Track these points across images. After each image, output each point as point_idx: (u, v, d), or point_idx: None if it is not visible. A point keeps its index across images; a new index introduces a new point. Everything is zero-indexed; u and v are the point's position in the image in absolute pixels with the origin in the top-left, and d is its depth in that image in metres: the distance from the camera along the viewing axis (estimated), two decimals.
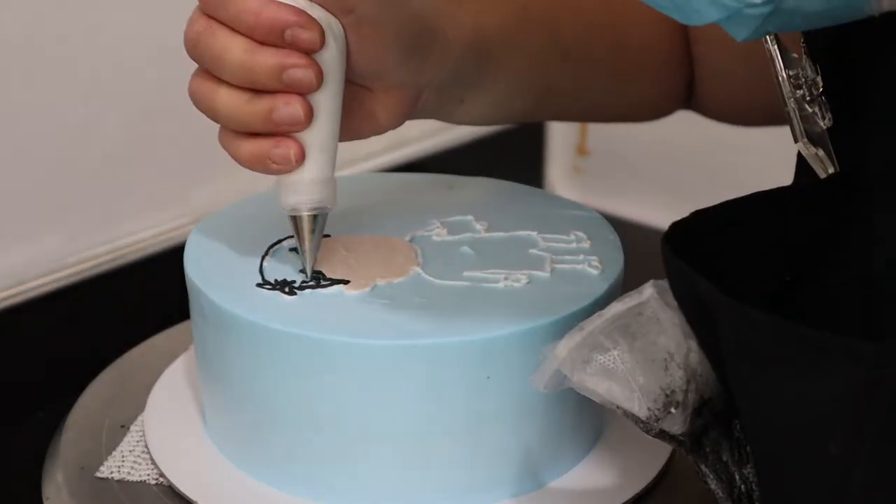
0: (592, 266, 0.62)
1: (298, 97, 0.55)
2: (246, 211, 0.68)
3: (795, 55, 0.50)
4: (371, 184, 0.75)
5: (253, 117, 0.55)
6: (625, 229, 0.68)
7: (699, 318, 0.48)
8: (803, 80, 0.50)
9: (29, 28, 0.78)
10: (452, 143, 1.06)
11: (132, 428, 0.67)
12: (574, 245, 0.65)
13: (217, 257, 0.63)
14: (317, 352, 0.57)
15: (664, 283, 0.51)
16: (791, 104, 0.49)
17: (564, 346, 0.52)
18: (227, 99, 0.55)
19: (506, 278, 0.61)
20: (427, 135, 1.04)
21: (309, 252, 0.60)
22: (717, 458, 0.51)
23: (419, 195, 0.72)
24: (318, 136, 0.57)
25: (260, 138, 0.56)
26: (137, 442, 0.65)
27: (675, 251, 0.47)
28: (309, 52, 0.55)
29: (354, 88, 0.59)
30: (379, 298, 0.59)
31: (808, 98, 0.50)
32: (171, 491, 0.61)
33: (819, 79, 0.50)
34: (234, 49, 0.54)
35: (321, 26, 0.55)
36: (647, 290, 0.52)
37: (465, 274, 0.61)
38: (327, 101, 0.56)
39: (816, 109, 0.50)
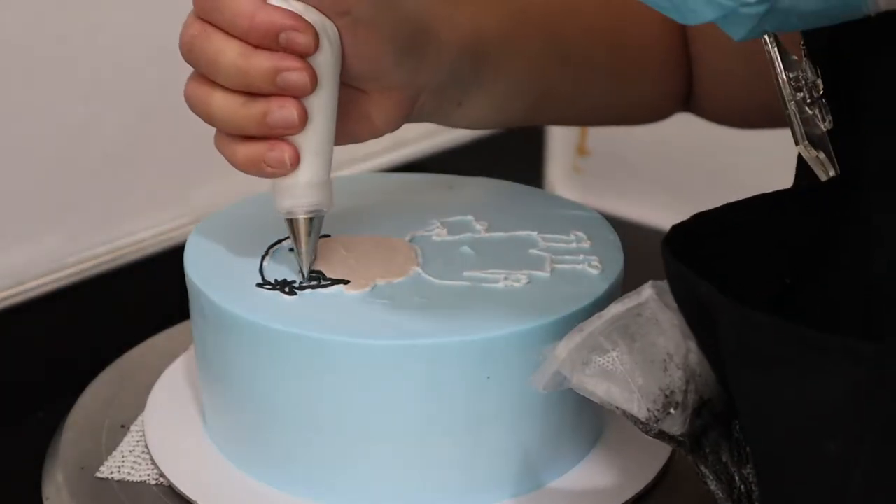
0: (592, 266, 0.62)
1: (293, 100, 0.55)
2: (246, 211, 0.68)
3: (796, 57, 0.50)
4: (371, 184, 0.75)
5: (248, 121, 0.55)
6: (625, 229, 0.68)
7: (699, 319, 0.48)
8: (804, 82, 0.50)
9: (29, 28, 0.78)
10: (452, 144, 1.06)
11: (132, 428, 0.67)
12: (574, 245, 0.65)
13: (217, 257, 0.63)
14: (317, 352, 0.57)
15: (663, 284, 0.51)
16: (792, 107, 0.49)
17: (564, 348, 0.52)
18: (222, 102, 0.56)
19: (506, 278, 0.61)
20: (426, 135, 1.04)
21: (305, 255, 0.60)
22: (717, 459, 0.51)
23: (419, 195, 0.72)
24: (314, 139, 0.57)
25: (255, 142, 0.56)
26: (137, 442, 0.65)
27: (675, 254, 0.47)
28: (303, 56, 0.55)
29: (350, 91, 0.59)
30: (379, 298, 0.59)
31: (808, 100, 0.50)
32: (171, 491, 0.61)
33: (819, 81, 0.50)
34: (228, 53, 0.55)
35: (315, 29, 0.55)
36: (646, 292, 0.52)
37: (465, 274, 0.61)
38: (322, 104, 0.56)
39: (817, 112, 0.50)
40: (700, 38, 0.74)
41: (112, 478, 0.63)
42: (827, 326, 0.43)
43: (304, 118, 0.56)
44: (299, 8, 0.55)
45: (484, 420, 0.58)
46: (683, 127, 0.84)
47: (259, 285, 0.60)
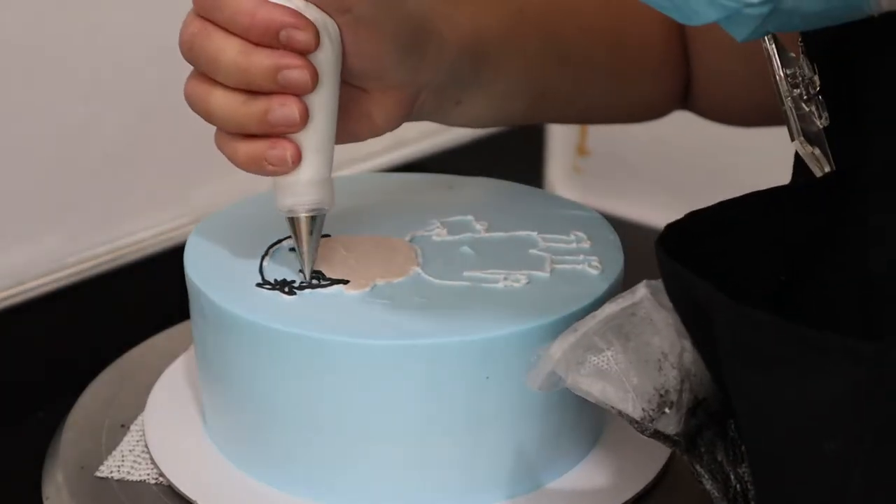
0: (592, 266, 0.62)
1: (294, 98, 0.55)
2: (246, 211, 0.68)
3: (793, 54, 0.50)
4: (371, 184, 0.75)
5: (248, 119, 0.55)
6: (625, 229, 0.68)
7: (694, 318, 0.48)
8: (800, 78, 0.50)
9: (29, 28, 0.78)
10: (452, 144, 1.06)
11: (132, 427, 0.67)
12: (574, 245, 0.65)
13: (217, 257, 0.63)
14: (317, 352, 0.57)
15: (657, 284, 0.51)
16: (788, 103, 0.49)
17: (558, 347, 0.52)
18: (223, 101, 0.55)
19: (505, 278, 0.61)
20: (426, 135, 1.04)
21: (307, 253, 0.60)
22: (713, 458, 0.51)
23: (419, 195, 0.72)
24: (315, 137, 0.57)
25: (256, 140, 0.56)
26: (137, 441, 0.65)
27: (669, 252, 0.47)
28: (304, 53, 0.55)
29: (351, 90, 0.59)
30: (379, 298, 0.59)
31: (804, 97, 0.50)
32: (171, 491, 0.61)
33: (816, 78, 0.50)
34: (228, 51, 0.54)
35: (316, 27, 0.55)
36: (641, 291, 0.52)
37: (465, 274, 0.61)
38: (323, 102, 0.56)
39: (813, 108, 0.50)
40: (699, 37, 0.74)
41: (112, 477, 0.63)
42: (824, 325, 0.43)
43: (306, 116, 0.56)
44: (300, 5, 0.55)
45: (483, 420, 0.58)
46: (683, 127, 0.84)
47: (259, 285, 0.60)
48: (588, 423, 0.63)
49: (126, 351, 0.75)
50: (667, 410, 0.51)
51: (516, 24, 0.66)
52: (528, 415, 0.59)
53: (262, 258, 0.63)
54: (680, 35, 0.74)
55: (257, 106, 0.55)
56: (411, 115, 0.61)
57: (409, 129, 0.64)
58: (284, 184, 0.58)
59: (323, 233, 0.61)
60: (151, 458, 0.63)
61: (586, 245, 0.65)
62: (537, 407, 0.59)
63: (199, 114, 0.57)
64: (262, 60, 0.54)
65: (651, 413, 0.51)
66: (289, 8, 0.55)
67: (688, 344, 0.51)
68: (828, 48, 0.51)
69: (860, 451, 0.43)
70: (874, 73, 0.50)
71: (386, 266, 0.62)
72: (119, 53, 0.82)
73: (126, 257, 0.85)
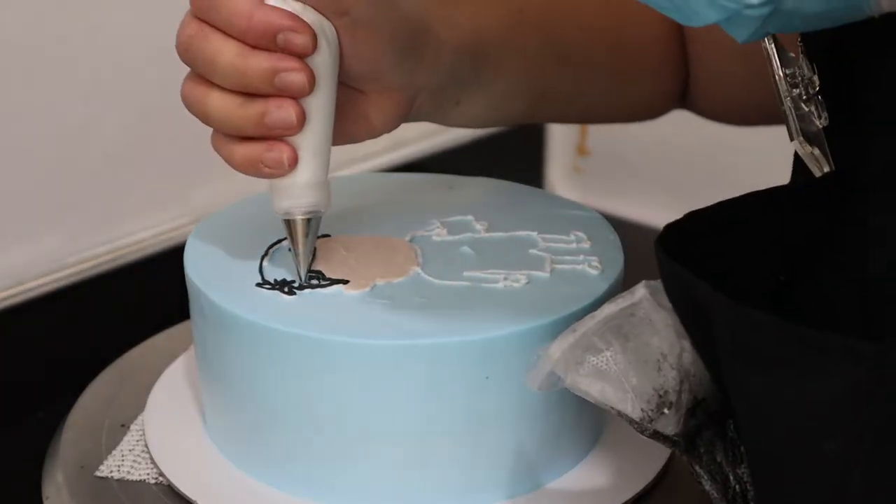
0: (592, 266, 0.62)
1: (291, 101, 0.55)
2: (246, 211, 0.68)
3: (792, 54, 0.50)
4: (371, 184, 0.75)
5: (245, 121, 0.55)
6: (625, 229, 0.68)
7: (693, 318, 0.48)
8: (800, 78, 0.50)
9: (29, 28, 0.78)
10: (452, 144, 1.06)
11: (132, 427, 0.67)
12: (574, 245, 0.65)
13: (217, 257, 0.63)
14: (317, 352, 0.57)
15: (657, 284, 0.51)
16: (787, 103, 0.49)
17: (557, 348, 0.52)
18: (220, 103, 0.55)
19: (505, 278, 0.61)
20: (426, 135, 1.04)
21: (303, 256, 0.60)
22: (712, 459, 0.51)
23: (419, 195, 0.72)
24: (311, 139, 0.57)
25: (253, 142, 0.56)
26: (137, 441, 0.65)
27: (669, 253, 0.47)
28: (301, 56, 0.55)
29: (348, 91, 0.59)
30: (379, 298, 0.59)
31: (804, 97, 0.50)
32: (171, 490, 0.61)
33: (815, 77, 0.50)
34: (225, 53, 0.54)
35: (313, 30, 0.55)
36: (640, 291, 0.52)
37: (465, 274, 0.61)
38: (320, 105, 0.56)
39: (813, 108, 0.50)
40: (698, 37, 0.74)
41: (112, 477, 0.63)
42: (823, 325, 0.43)
43: (303, 119, 0.56)
44: (297, 8, 0.55)
45: (483, 420, 0.58)
46: (683, 127, 0.84)
47: (259, 285, 0.60)
48: (588, 423, 0.63)
49: (126, 351, 0.75)
50: (666, 411, 0.51)
51: (516, 24, 0.66)
52: (528, 415, 0.59)
53: (262, 258, 0.63)
54: (680, 35, 0.74)
55: (254, 108, 0.55)
56: (409, 116, 0.61)
57: (409, 129, 0.64)
58: (281, 186, 0.58)
59: (323, 233, 0.61)
60: (151, 458, 0.63)
61: (586, 245, 0.65)
62: (537, 407, 0.59)
63: (195, 115, 0.57)
64: (260, 63, 0.54)
65: (650, 413, 0.51)
66: (286, 11, 0.54)
67: (687, 344, 0.51)
68: (827, 48, 0.51)
69: (860, 451, 0.43)
70: (874, 74, 0.50)
71: (386, 266, 0.62)
72: (119, 53, 0.82)
73: (126, 257, 0.85)
